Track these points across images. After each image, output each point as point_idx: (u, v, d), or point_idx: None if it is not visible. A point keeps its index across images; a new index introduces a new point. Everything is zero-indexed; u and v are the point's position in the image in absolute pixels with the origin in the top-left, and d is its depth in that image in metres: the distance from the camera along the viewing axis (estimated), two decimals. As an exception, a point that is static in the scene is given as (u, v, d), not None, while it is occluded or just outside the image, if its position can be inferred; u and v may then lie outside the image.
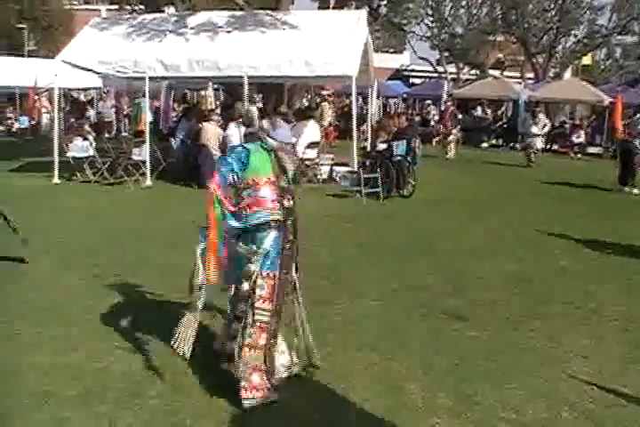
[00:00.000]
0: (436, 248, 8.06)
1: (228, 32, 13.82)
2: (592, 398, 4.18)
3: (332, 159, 13.94)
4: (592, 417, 3.95)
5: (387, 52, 50.14)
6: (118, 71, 13.43)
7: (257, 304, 4.05)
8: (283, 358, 4.30)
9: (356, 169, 12.36)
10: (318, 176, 13.43)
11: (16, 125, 24.94)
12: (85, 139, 13.82)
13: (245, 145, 4.26)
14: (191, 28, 14.06)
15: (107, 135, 15.06)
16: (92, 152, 13.44)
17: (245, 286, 4.06)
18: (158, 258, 7.35)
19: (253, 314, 4.05)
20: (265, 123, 4.33)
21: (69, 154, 13.39)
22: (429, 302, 5.97)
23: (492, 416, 3.94)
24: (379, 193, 11.41)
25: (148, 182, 12.74)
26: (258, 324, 4.05)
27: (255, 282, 4.05)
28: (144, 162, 12.87)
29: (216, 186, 4.00)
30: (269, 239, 4.08)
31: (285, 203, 4.20)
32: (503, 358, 4.79)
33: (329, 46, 12.93)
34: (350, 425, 3.84)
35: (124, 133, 16.55)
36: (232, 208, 4.05)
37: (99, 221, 9.35)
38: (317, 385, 4.27)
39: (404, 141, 12.31)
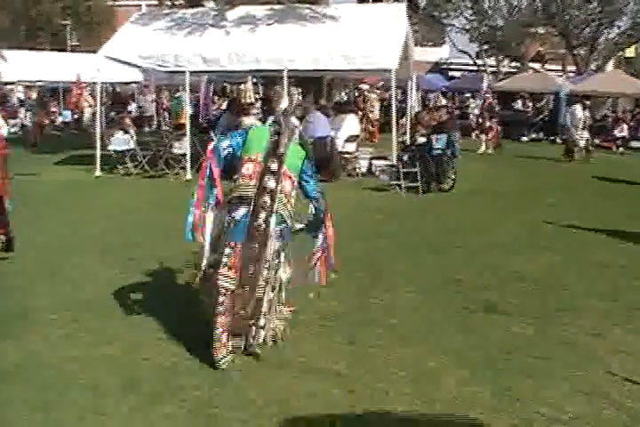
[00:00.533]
0: (473, 241, 8.00)
1: (268, 25, 13.85)
2: (635, 395, 4.10)
3: (371, 153, 13.90)
4: (634, 415, 3.87)
5: (426, 45, 49.75)
6: (159, 65, 13.57)
7: (221, 271, 4.32)
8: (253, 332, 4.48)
9: (395, 163, 12.32)
10: (357, 170, 13.41)
11: (59, 119, 25.40)
12: (126, 132, 14.03)
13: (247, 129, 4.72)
14: (231, 22, 14.12)
15: (147, 129, 15.22)
16: (132, 145, 13.63)
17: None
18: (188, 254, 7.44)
19: (218, 280, 4.32)
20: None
21: (111, 147, 13.61)
22: (466, 296, 5.93)
23: (530, 412, 3.89)
24: (418, 187, 11.35)
25: (189, 176, 12.88)
26: (222, 289, 4.30)
27: (222, 251, 4.35)
28: (184, 155, 13.01)
29: (209, 154, 4.53)
30: (240, 212, 4.40)
31: (268, 184, 4.40)
32: (542, 352, 4.72)
33: (369, 40, 12.88)
34: (387, 418, 3.84)
35: (164, 127, 16.73)
36: (217, 182, 4.53)
37: (138, 214, 9.47)
38: (354, 377, 4.28)
39: (444, 135, 12.18)
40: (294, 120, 4.73)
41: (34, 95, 26.19)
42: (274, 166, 4.41)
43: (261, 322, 4.48)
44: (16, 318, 5.35)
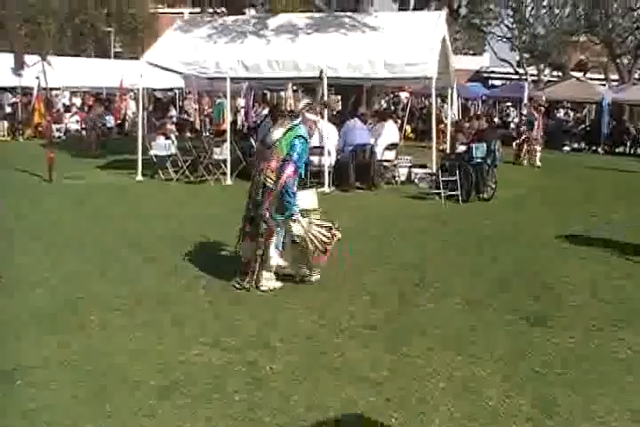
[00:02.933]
0: (519, 251, 7.89)
1: (308, 34, 13.93)
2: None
3: (411, 161, 13.85)
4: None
5: (466, 53, 49.56)
6: (200, 72, 13.72)
7: None
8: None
9: (434, 171, 12.25)
10: (397, 178, 13.38)
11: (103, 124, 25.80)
12: (168, 138, 14.20)
13: (305, 136, 6.08)
14: (271, 30, 14.23)
15: (188, 134, 15.39)
16: (174, 151, 13.79)
17: None
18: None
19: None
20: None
21: (152, 152, 13.78)
22: (513, 306, 5.85)
23: (573, 426, 3.82)
24: (458, 196, 11.28)
25: (229, 181, 12.96)
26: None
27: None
28: (225, 161, 13.12)
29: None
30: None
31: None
32: (587, 365, 4.64)
33: (409, 47, 12.87)
34: (429, 428, 3.81)
35: (205, 133, 16.90)
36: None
37: (178, 219, 9.54)
38: (395, 385, 4.26)
39: (484, 144, 12.10)
40: (311, 115, 6.25)
41: (78, 101, 26.72)
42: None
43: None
44: (70, 312, 5.50)
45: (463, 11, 32.42)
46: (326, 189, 12.42)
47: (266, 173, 6.11)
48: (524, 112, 22.71)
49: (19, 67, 21.74)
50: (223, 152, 13.22)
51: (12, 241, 8.01)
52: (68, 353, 4.69)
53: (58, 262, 7.09)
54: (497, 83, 40.22)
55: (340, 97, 19.54)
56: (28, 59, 20.73)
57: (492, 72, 43.32)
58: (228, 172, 13.06)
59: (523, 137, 18.59)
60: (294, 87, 22.15)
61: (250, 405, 3.98)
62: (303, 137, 6.03)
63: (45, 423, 3.74)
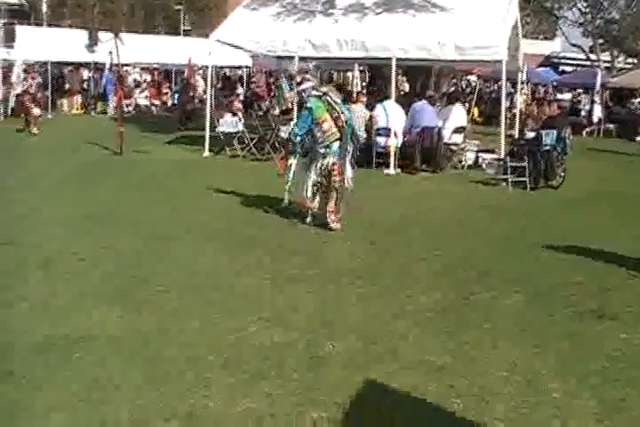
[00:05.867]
0: (584, 244, 7.62)
1: (377, 13, 13.74)
2: None
3: (478, 145, 13.60)
4: None
5: (537, 38, 48.26)
6: (268, 50, 13.72)
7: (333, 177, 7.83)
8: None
9: (502, 157, 12.00)
10: (463, 162, 13.15)
11: (170, 101, 26.21)
12: (235, 115, 14.32)
13: (309, 105, 7.78)
14: (340, 10, 14.07)
15: (255, 112, 15.51)
16: (240, 128, 13.89)
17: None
18: (297, 233, 7.60)
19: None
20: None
21: (219, 129, 13.92)
22: (578, 301, 5.66)
23: (639, 424, 3.70)
24: (525, 183, 11.02)
25: (294, 160, 12.97)
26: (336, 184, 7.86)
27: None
28: (289, 140, 13.11)
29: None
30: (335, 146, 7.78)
31: (340, 125, 7.76)
32: (656, 363, 4.48)
33: (479, 29, 12.55)
34: (490, 416, 3.74)
35: (272, 111, 16.98)
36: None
37: (243, 195, 9.59)
38: (456, 372, 4.20)
39: (554, 131, 11.77)
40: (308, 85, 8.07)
41: (148, 77, 27.15)
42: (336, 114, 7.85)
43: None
44: (127, 292, 5.57)
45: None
46: (391, 170, 12.34)
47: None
48: (597, 99, 22.02)
49: (92, 43, 22.22)
50: (288, 131, 13.22)
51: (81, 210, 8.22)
52: (125, 328, 4.78)
53: (121, 237, 7.22)
54: (568, 69, 38.99)
55: (406, 78, 19.30)
56: (102, 35, 21.15)
57: (563, 57, 42.02)
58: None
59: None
60: (361, 67, 22.01)
61: (308, 383, 3.99)
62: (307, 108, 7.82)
63: (105, 396, 3.82)
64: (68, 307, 5.18)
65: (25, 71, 19.15)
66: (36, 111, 17.27)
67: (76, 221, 7.97)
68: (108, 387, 3.91)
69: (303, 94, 8.09)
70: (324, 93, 7.91)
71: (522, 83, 16.91)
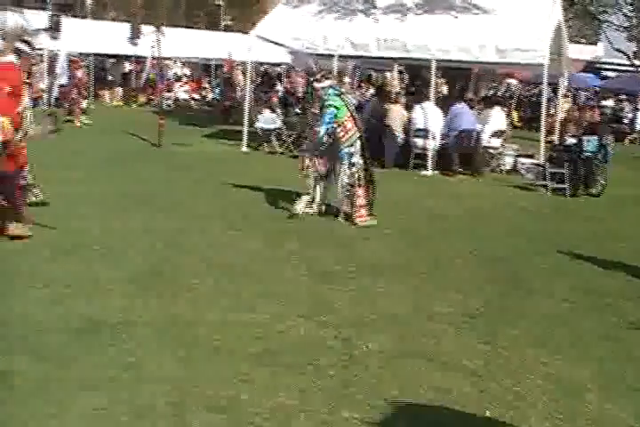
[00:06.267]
0: (621, 251, 7.52)
1: (417, 14, 13.66)
2: None
3: (517, 150, 13.46)
4: None
5: (579, 42, 47.58)
6: (308, 48, 13.74)
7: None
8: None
9: (542, 162, 11.87)
10: (501, 166, 13.03)
11: (210, 96, 26.39)
12: (273, 111, 14.36)
13: (336, 105, 7.82)
14: (380, 9, 14.02)
15: (294, 109, 15.56)
16: (279, 124, 13.93)
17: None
18: (336, 229, 7.65)
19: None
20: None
21: (258, 125, 13.99)
22: (617, 308, 5.59)
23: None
24: (565, 189, 10.88)
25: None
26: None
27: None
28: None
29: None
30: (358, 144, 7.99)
31: (358, 124, 8.04)
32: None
33: (521, 32, 12.41)
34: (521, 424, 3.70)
35: (312, 109, 17.00)
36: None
37: (280, 191, 9.56)
38: (490, 377, 4.16)
39: (596, 137, 11.62)
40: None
41: (188, 71, 27.38)
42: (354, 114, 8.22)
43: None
44: (161, 277, 5.66)
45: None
46: (429, 172, 12.29)
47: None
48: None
49: (134, 36, 22.45)
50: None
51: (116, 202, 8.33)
52: (160, 315, 4.84)
53: (157, 226, 7.30)
54: (611, 74, 38.34)
55: (445, 81, 19.16)
56: (144, 29, 21.36)
57: (606, 63, 41.34)
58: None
59: None
60: (400, 68, 21.90)
61: (344, 381, 3.99)
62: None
63: (141, 380, 3.87)
64: (104, 290, 5.28)
65: (71, 62, 19.41)
66: (83, 104, 17.53)
67: (113, 202, 8.23)
68: (144, 371, 3.96)
69: (322, 92, 7.97)
70: (342, 93, 8.20)
71: (564, 88, 16.62)
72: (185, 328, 4.63)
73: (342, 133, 7.88)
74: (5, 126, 5.93)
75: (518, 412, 3.79)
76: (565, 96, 20.57)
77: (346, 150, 7.92)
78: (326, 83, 8.00)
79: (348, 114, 7.97)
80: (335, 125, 7.86)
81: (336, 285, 5.73)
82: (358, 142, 8.00)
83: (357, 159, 7.96)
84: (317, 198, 8.15)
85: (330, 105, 7.80)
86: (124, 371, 3.95)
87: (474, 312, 5.27)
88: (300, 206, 7.98)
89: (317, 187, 8.13)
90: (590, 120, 12.91)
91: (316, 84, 8.00)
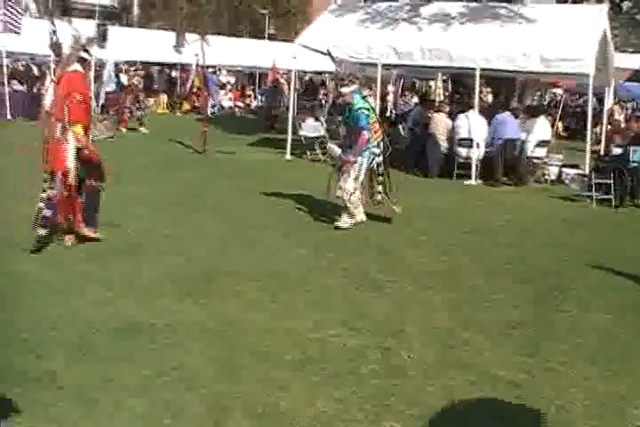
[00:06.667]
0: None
1: (462, 23, 13.63)
2: None
3: (562, 160, 13.29)
4: None
5: (625, 51, 46.75)
6: (352, 57, 13.78)
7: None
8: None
9: (587, 173, 11.70)
10: (546, 176, 12.87)
11: (254, 103, 26.65)
12: (317, 119, 14.44)
13: (367, 107, 7.97)
14: (424, 18, 14.04)
15: (338, 117, 15.63)
16: (322, 132, 13.99)
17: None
18: (378, 237, 7.67)
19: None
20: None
21: (301, 133, 14.08)
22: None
23: None
24: (611, 200, 10.71)
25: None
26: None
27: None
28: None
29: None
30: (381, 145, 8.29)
31: (379, 126, 8.34)
32: None
33: (566, 42, 12.29)
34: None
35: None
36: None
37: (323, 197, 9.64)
38: (532, 390, 4.11)
39: (642, 147, 11.42)
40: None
41: (232, 79, 27.69)
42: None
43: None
44: (207, 281, 5.77)
45: (625, 5, 30.51)
46: (472, 181, 12.22)
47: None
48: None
49: (180, 44, 22.85)
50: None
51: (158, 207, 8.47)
52: (203, 319, 4.92)
53: (201, 233, 7.43)
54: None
55: (490, 89, 19.05)
56: (188, 37, 21.70)
57: (654, 72, 40.49)
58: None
59: None
60: (444, 77, 21.86)
61: (384, 391, 3.99)
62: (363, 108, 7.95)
63: (180, 382, 3.94)
64: (152, 292, 5.41)
65: (125, 71, 19.80)
66: (139, 113, 17.82)
67: (162, 208, 8.46)
68: (186, 375, 4.02)
69: (349, 96, 8.01)
70: (365, 96, 8.41)
71: (614, 98, 16.34)
72: (228, 333, 4.69)
73: (371, 135, 8.02)
74: (79, 133, 6.20)
75: (560, 424, 3.73)
76: (618, 105, 20.28)
77: (375, 151, 8.11)
78: (353, 87, 8.05)
79: (374, 116, 8.19)
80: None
81: (378, 293, 5.74)
82: (381, 144, 8.22)
83: (380, 159, 8.23)
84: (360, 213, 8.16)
85: (361, 108, 7.91)
86: (166, 374, 4.02)
87: (516, 324, 5.20)
88: (345, 220, 8.00)
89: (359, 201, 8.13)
90: (637, 130, 12.69)
91: (344, 89, 8.04)
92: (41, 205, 6.24)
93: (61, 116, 6.22)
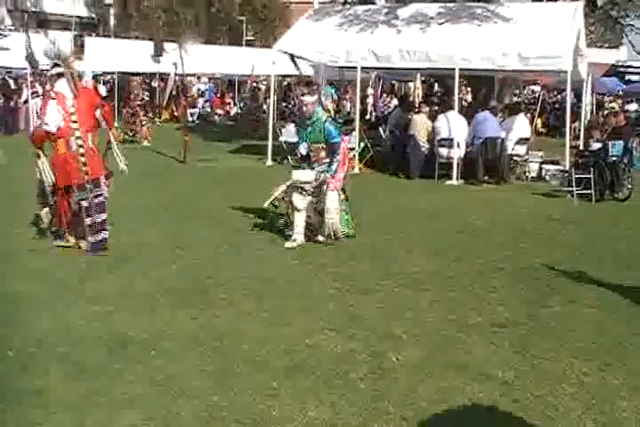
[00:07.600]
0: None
1: (440, 24, 13.71)
2: None
3: (542, 157, 13.40)
4: None
5: (601, 46, 47.19)
6: (331, 61, 13.81)
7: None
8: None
9: (567, 168, 11.80)
10: (527, 174, 13.00)
11: (234, 110, 26.62)
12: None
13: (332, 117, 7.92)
14: (402, 20, 14.11)
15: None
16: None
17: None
18: (368, 239, 7.69)
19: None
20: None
21: (282, 138, 14.09)
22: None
23: None
24: (591, 195, 10.80)
25: (356, 170, 13.02)
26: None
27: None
28: (353, 149, 13.19)
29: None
30: None
31: None
32: None
33: (543, 40, 12.42)
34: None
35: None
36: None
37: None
38: (522, 387, 4.13)
39: (621, 142, 11.56)
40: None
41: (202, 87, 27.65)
42: None
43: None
44: (200, 292, 5.76)
45: (600, 1, 30.79)
46: (454, 181, 12.27)
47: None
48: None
49: (158, 53, 22.74)
50: (351, 141, 13.29)
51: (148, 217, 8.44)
52: (195, 330, 4.91)
53: (190, 242, 7.41)
54: (634, 78, 37.96)
55: (469, 89, 19.15)
56: (167, 46, 21.63)
57: (630, 66, 40.93)
58: (356, 160, 13.13)
59: None
60: (422, 78, 21.95)
61: (374, 394, 3.99)
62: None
63: (173, 393, 3.92)
64: (145, 305, 5.38)
65: (129, 81, 19.69)
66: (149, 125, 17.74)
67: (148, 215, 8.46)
68: (178, 386, 4.01)
69: (311, 107, 7.42)
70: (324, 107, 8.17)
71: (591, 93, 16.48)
72: (217, 341, 4.69)
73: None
74: (116, 135, 6.75)
75: (550, 422, 3.75)
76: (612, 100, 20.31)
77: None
78: (315, 97, 7.51)
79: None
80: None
81: (369, 296, 5.75)
82: None
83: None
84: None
85: (327, 119, 7.43)
86: (157, 385, 4.00)
87: (507, 323, 5.23)
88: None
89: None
90: (615, 124, 12.83)
91: (307, 98, 7.40)
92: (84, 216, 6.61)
93: (90, 126, 6.55)
